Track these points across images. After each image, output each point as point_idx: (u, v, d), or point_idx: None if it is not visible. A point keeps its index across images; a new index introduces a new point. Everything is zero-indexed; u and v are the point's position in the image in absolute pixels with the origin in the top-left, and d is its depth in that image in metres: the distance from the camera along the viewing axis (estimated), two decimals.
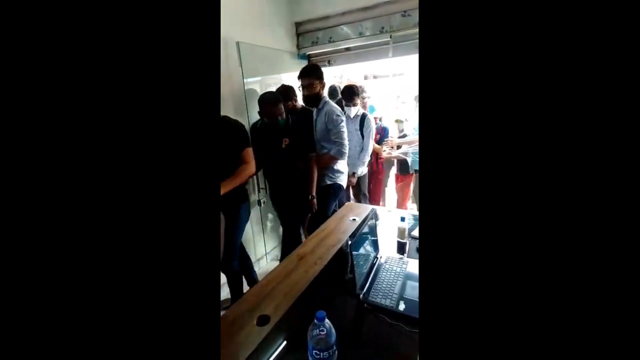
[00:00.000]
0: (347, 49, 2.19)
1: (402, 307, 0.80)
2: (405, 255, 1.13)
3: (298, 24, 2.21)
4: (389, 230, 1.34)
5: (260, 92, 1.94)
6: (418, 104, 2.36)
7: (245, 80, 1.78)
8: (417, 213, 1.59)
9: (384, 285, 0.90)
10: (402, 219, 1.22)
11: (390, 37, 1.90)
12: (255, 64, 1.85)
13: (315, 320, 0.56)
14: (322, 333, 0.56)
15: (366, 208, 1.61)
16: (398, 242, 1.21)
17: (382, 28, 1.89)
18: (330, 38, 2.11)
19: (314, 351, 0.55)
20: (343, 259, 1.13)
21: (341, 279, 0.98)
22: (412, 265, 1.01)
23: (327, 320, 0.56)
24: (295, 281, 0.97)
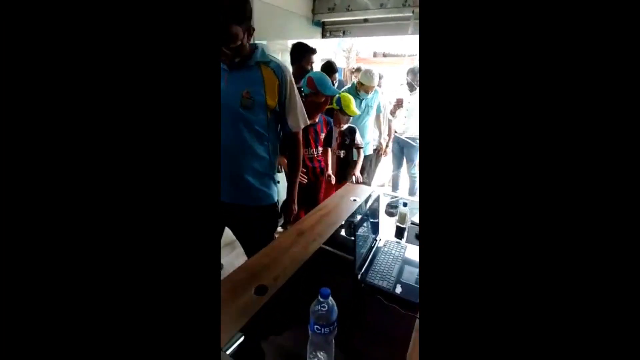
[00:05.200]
0: (365, 20, 2.07)
1: (398, 290, 0.82)
2: (404, 240, 1.14)
3: None
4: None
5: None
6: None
7: (255, 41, 1.67)
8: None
9: (382, 268, 0.91)
10: (405, 204, 1.22)
11: (413, 13, 1.79)
12: (268, 24, 1.73)
13: (320, 297, 0.56)
14: (324, 309, 0.56)
15: (367, 189, 1.60)
16: (397, 226, 1.22)
17: (405, 2, 1.78)
18: (349, 6, 1.99)
19: (315, 326, 0.56)
20: (343, 238, 1.13)
21: (340, 258, 0.99)
22: (410, 251, 1.02)
23: (330, 298, 0.56)
24: (294, 256, 0.97)
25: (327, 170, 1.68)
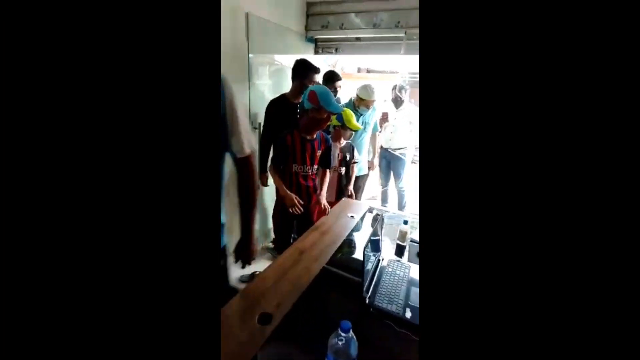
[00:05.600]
0: (357, 39, 2.12)
1: (408, 314, 0.79)
2: (405, 259, 1.13)
3: (310, 4, 2.09)
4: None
5: (263, 70, 1.83)
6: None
7: (250, 55, 1.66)
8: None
9: (389, 290, 0.88)
10: (405, 222, 1.21)
11: (405, 34, 1.85)
12: (262, 39, 1.73)
13: (340, 331, 0.52)
14: (343, 344, 0.53)
15: (363, 205, 1.59)
16: (397, 244, 1.21)
17: (398, 22, 1.84)
18: (342, 25, 2.02)
19: None
20: (345, 258, 1.10)
21: (345, 279, 0.96)
22: (415, 271, 1.00)
23: (351, 332, 0.53)
24: (297, 278, 0.92)
25: (320, 191, 1.50)
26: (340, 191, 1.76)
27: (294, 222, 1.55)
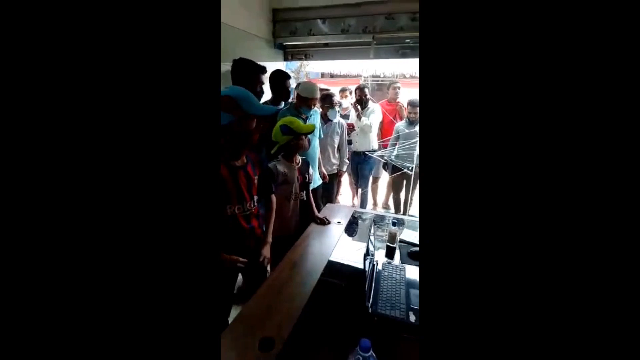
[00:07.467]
0: (326, 45, 2.13)
1: (412, 318, 0.78)
2: (396, 259, 1.13)
3: (276, 11, 2.06)
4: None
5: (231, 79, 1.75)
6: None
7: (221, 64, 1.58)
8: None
9: (389, 295, 0.87)
10: (394, 224, 1.21)
11: (373, 39, 1.89)
12: (229, 47, 1.66)
13: (360, 351, 0.49)
14: None
15: (348, 210, 1.57)
16: (387, 246, 1.21)
17: (366, 28, 1.88)
18: (310, 31, 2.02)
19: None
20: (340, 266, 1.07)
21: (344, 289, 0.93)
22: (410, 272, 1.00)
23: (372, 351, 0.50)
24: (294, 294, 0.88)
25: (266, 237, 1.10)
26: (304, 219, 1.38)
27: (237, 279, 1.11)
